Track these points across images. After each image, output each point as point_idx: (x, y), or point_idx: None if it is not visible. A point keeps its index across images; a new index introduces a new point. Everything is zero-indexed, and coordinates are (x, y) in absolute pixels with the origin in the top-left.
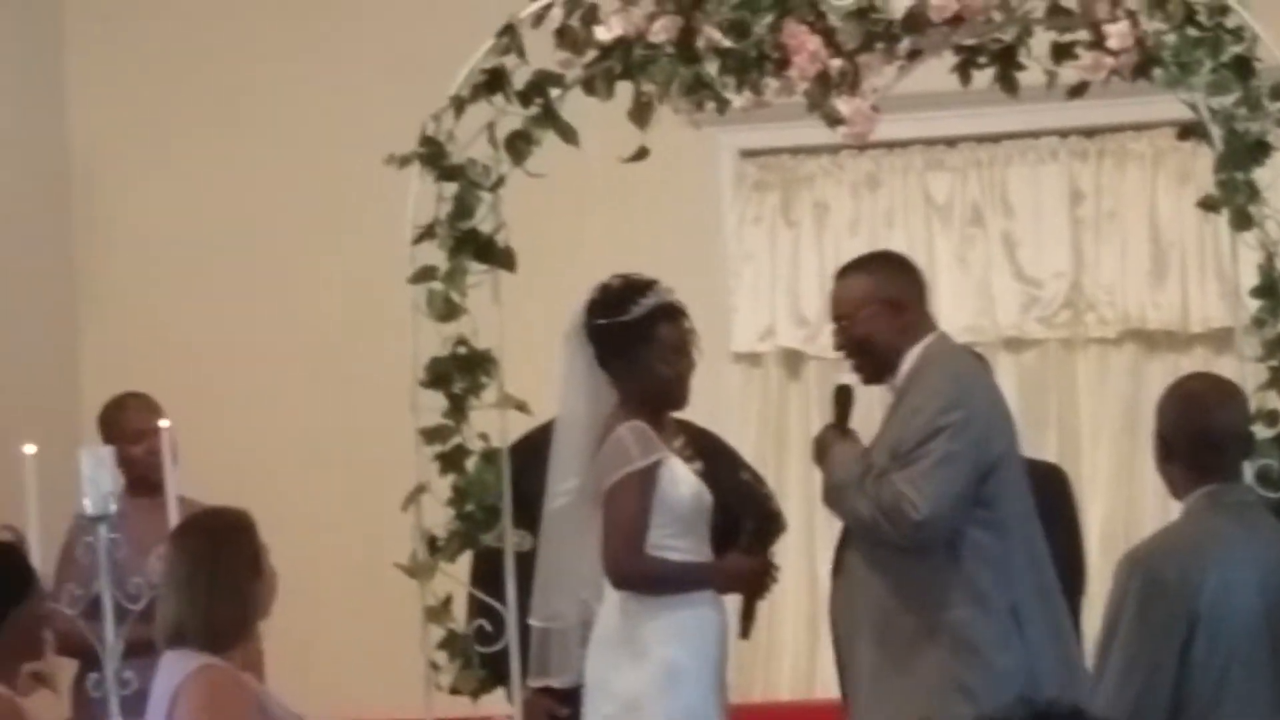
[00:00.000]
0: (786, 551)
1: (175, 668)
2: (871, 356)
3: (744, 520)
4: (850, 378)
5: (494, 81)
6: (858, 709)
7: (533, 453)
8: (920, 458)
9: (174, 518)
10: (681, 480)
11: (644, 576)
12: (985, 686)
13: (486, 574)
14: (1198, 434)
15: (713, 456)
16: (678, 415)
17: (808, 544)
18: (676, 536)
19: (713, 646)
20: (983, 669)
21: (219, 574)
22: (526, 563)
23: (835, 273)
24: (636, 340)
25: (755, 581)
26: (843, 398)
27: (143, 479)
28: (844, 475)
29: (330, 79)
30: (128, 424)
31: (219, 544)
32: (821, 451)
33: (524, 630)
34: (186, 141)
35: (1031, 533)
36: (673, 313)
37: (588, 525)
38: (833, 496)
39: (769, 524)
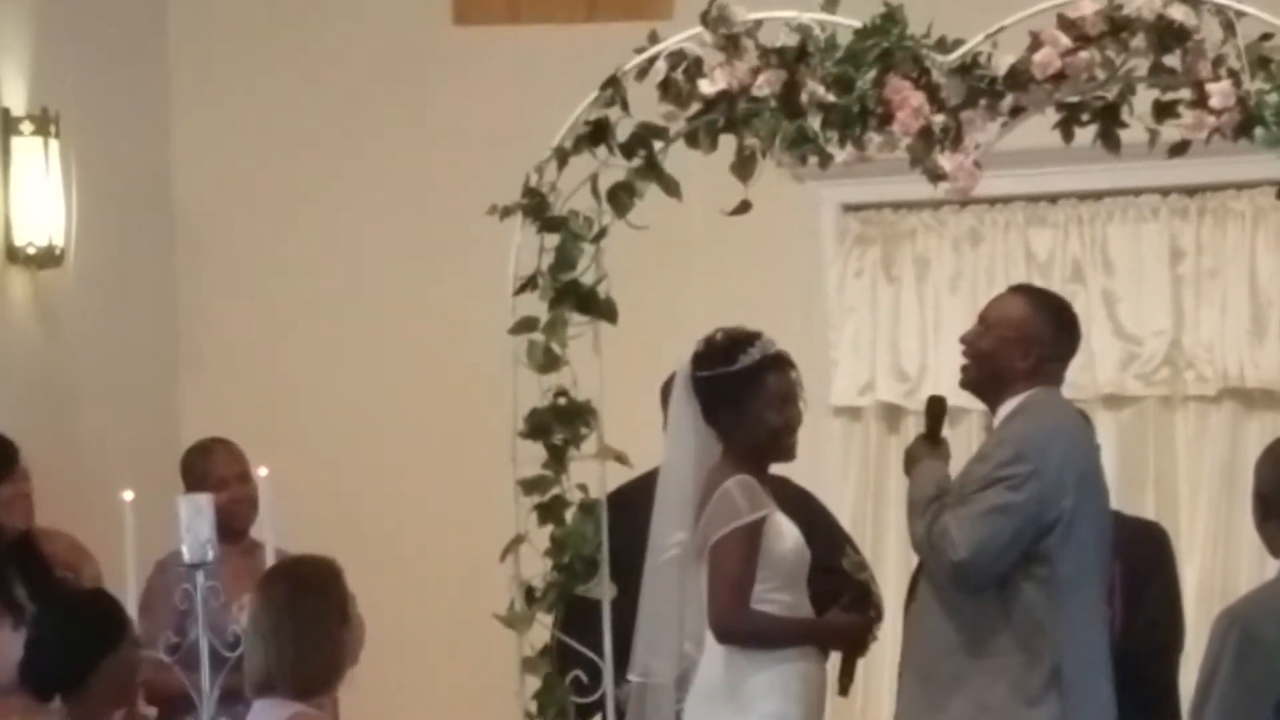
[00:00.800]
0: (888, 608)
1: (267, 716)
2: (980, 368)
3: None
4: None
5: (597, 133)
6: None
7: (624, 505)
8: (975, 502)
9: (268, 566)
10: (786, 534)
11: (750, 631)
12: None
13: (575, 622)
14: None
15: (812, 519)
16: (779, 473)
17: (903, 602)
18: (779, 590)
19: (814, 702)
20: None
21: (305, 621)
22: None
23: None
24: (744, 391)
25: (857, 638)
26: (935, 409)
27: (226, 526)
28: (918, 493)
29: (437, 130)
30: (213, 470)
31: (306, 591)
32: (909, 463)
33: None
34: (291, 191)
35: (1095, 596)
36: (780, 363)
37: (691, 579)
38: (908, 511)
39: (867, 604)
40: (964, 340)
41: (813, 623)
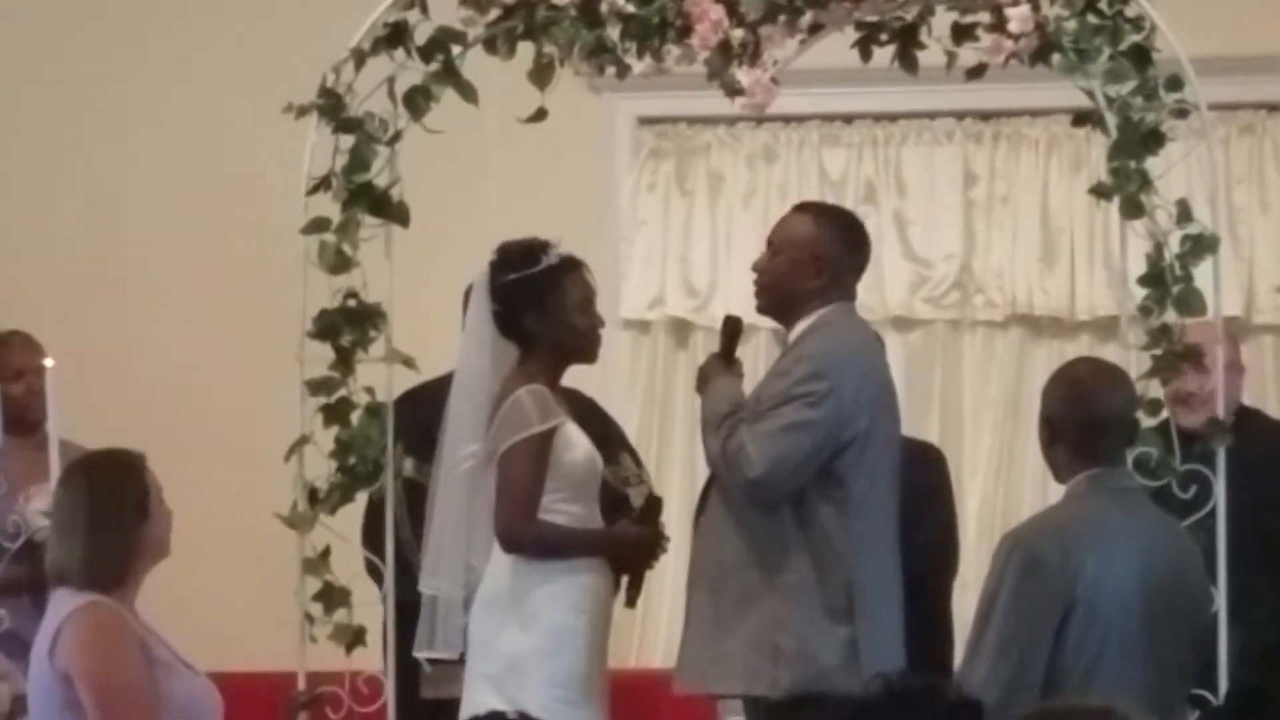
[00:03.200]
0: (670, 522)
1: (61, 605)
2: (772, 293)
3: (622, 491)
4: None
5: (395, 36)
6: (682, 658)
7: (415, 404)
8: (772, 418)
9: (54, 459)
10: (577, 445)
11: (537, 541)
12: (801, 657)
13: (378, 529)
14: (1085, 418)
15: (597, 425)
16: (563, 383)
17: (690, 515)
18: (569, 501)
19: (600, 613)
20: (801, 639)
21: (98, 515)
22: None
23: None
24: (548, 293)
25: (646, 551)
26: (730, 328)
27: (20, 418)
28: (712, 410)
29: (234, 29)
30: (10, 361)
31: (100, 485)
32: (702, 381)
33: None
34: (78, 87)
35: (886, 517)
36: (579, 265)
37: (482, 491)
38: (703, 428)
39: (650, 503)
40: (755, 268)
41: (601, 533)
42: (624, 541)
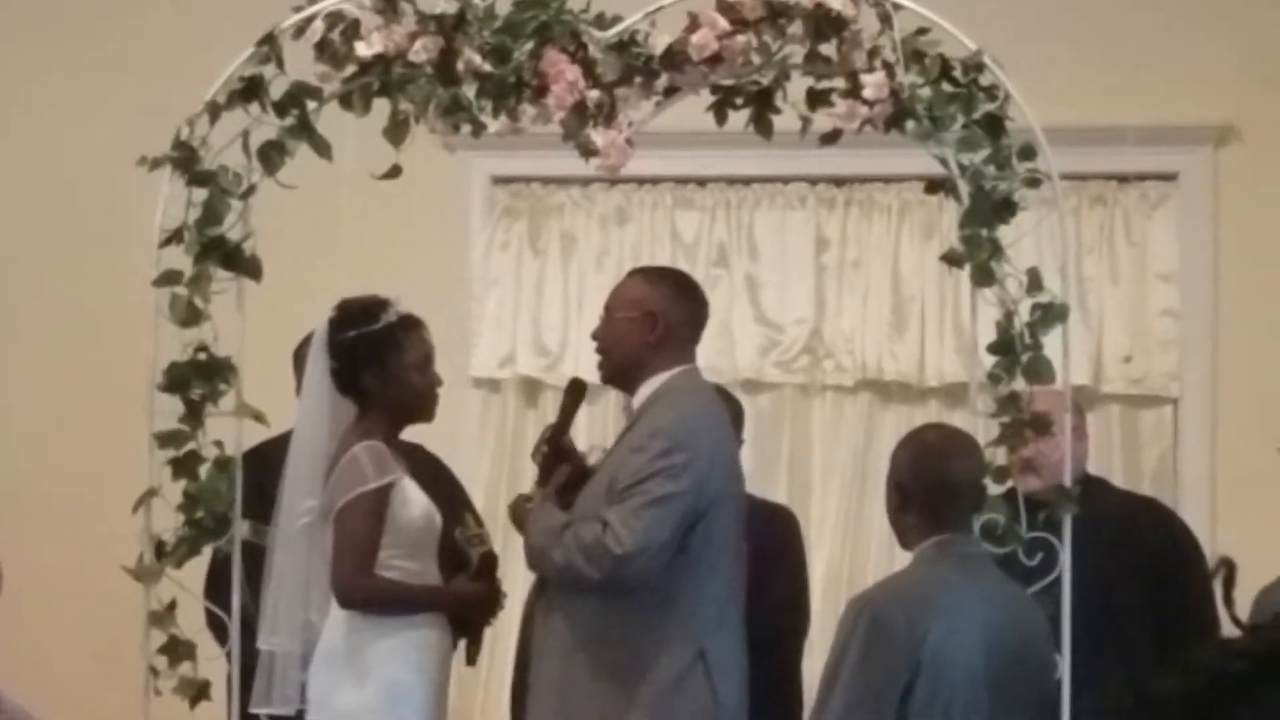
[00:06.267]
0: (514, 580)
1: None
2: (612, 357)
3: (468, 552)
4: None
5: (251, 90)
6: None
7: (261, 462)
8: (634, 495)
9: None
10: (414, 501)
11: (372, 596)
12: None
13: (221, 583)
14: (935, 483)
15: (440, 487)
16: (406, 440)
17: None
18: (405, 558)
19: (436, 669)
20: (654, 712)
21: None
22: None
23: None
24: (387, 351)
25: (483, 607)
26: (574, 390)
27: None
28: (542, 528)
29: (90, 80)
30: None
31: None
32: (518, 518)
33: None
34: None
35: (733, 579)
36: (417, 324)
37: (319, 546)
38: (534, 558)
39: (485, 559)
40: (593, 336)
41: (437, 590)
42: (460, 598)
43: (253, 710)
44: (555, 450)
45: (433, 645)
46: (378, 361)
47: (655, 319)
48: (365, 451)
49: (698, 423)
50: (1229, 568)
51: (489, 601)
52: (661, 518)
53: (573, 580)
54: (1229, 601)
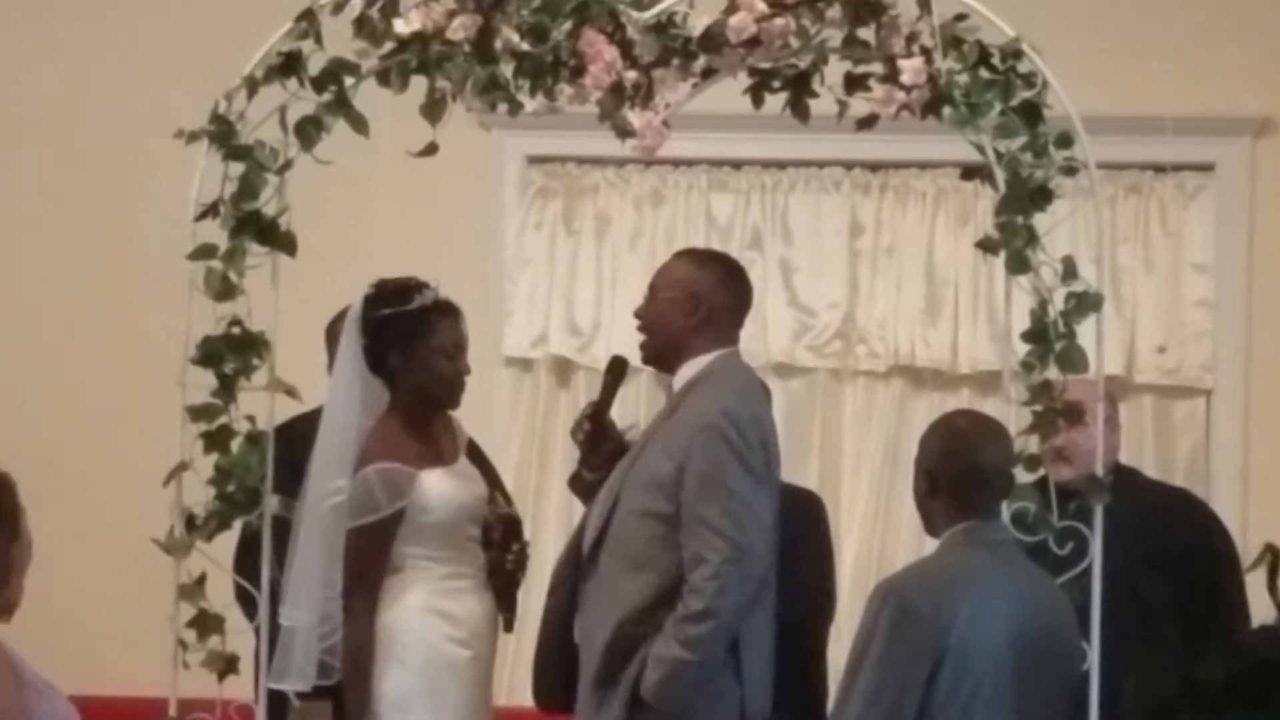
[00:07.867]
0: (545, 559)
1: None
2: (654, 337)
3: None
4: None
5: (289, 65)
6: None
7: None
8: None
9: None
10: (435, 505)
11: (353, 632)
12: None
13: (250, 558)
14: (964, 469)
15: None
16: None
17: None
18: (428, 559)
19: (479, 640)
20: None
21: None
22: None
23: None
24: (416, 334)
25: (508, 573)
26: (616, 368)
27: None
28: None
29: (126, 54)
30: None
31: None
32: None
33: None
34: None
35: (770, 563)
36: (452, 310)
37: (344, 526)
38: (680, 688)
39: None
40: (636, 314)
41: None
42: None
43: (270, 685)
44: (597, 428)
45: (474, 613)
46: (405, 342)
47: (699, 300)
48: (379, 476)
49: (749, 406)
50: (1274, 555)
51: (516, 565)
52: (763, 504)
53: (725, 628)
54: (1273, 589)
